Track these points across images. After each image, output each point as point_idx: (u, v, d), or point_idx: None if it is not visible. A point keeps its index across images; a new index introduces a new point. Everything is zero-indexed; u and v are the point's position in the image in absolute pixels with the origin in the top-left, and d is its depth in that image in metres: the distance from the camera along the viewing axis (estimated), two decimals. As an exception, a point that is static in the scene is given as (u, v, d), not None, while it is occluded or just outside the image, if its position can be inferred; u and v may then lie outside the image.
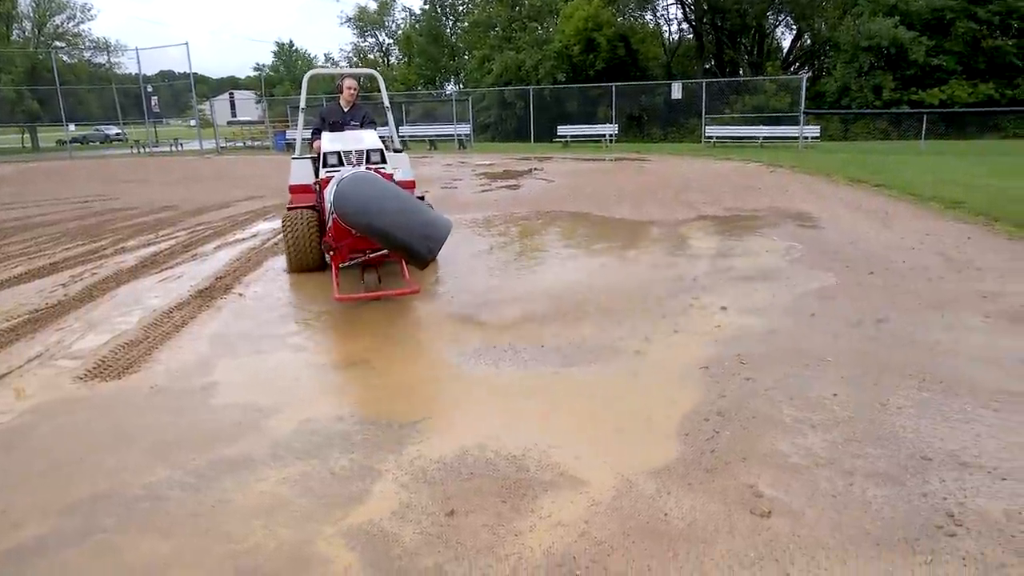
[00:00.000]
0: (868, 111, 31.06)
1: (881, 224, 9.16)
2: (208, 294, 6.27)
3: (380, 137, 6.65)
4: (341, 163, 6.10)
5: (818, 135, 26.61)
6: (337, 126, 6.86)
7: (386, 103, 7.84)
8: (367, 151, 6.20)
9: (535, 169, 18.65)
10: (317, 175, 6.82)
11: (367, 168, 5.85)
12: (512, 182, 15.59)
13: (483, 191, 14.00)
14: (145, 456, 3.32)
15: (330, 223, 5.69)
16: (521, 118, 34.40)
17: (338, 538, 2.64)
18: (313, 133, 7.19)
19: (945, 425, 3.43)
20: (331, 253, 5.74)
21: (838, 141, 29.74)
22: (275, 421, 3.69)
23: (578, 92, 33.71)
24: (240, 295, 6.28)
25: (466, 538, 2.62)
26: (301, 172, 7.27)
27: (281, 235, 6.97)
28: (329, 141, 6.38)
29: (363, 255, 6.11)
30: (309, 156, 7.30)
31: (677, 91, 29.51)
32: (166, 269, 7.44)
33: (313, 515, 2.80)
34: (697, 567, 2.43)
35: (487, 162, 21.23)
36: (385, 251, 5.79)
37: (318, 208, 6.77)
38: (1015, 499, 2.78)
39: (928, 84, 30.69)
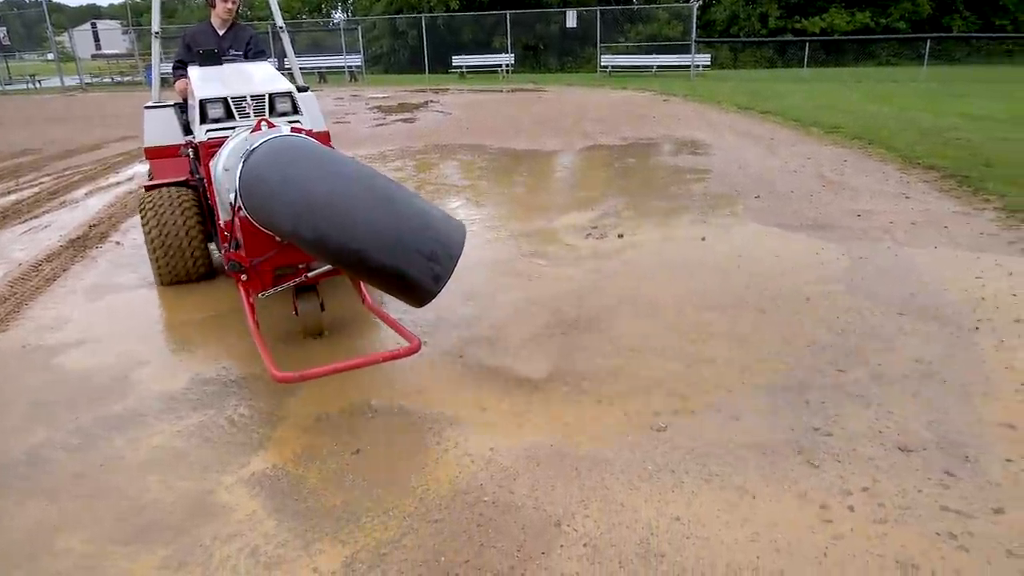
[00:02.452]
0: (755, 39, 31.93)
1: (767, 150, 9.53)
2: (81, 244, 5.83)
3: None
4: (231, 115, 3.85)
5: (709, 64, 27.24)
6: (211, 57, 4.42)
7: (280, 23, 5.48)
8: (270, 96, 3.92)
9: (431, 101, 18.20)
10: (188, 131, 4.74)
11: (276, 122, 3.50)
12: (407, 115, 15.16)
13: (377, 125, 13.56)
14: (22, 418, 3.10)
15: (222, 221, 3.50)
16: (414, 48, 33.23)
17: (240, 486, 2.58)
18: (175, 68, 5.07)
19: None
20: (242, 278, 3.35)
21: (728, 69, 30.54)
22: (166, 374, 3.51)
23: (472, 20, 32.81)
24: (118, 243, 5.87)
25: (372, 474, 2.62)
26: (161, 127, 4.97)
27: (142, 225, 4.55)
28: (204, 80, 4.08)
29: (294, 272, 3.48)
30: (171, 103, 5.06)
31: (572, 19, 29.25)
32: (31, 219, 6.84)
33: (212, 465, 2.71)
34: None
35: (381, 95, 20.52)
36: (326, 268, 3.43)
37: (194, 185, 4.68)
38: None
39: (810, 12, 31.82)
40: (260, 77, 4.18)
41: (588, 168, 8.82)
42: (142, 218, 4.52)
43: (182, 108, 4.99)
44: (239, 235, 3.27)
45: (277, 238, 3.12)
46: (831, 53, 31.41)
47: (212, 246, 4.78)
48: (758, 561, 2.14)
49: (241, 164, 2.94)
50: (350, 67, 29.26)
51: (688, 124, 12.49)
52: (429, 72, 29.71)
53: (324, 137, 4.48)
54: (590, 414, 3.01)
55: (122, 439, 2.91)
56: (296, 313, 3.75)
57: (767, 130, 11.48)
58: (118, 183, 8.62)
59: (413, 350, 3.01)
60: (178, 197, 4.52)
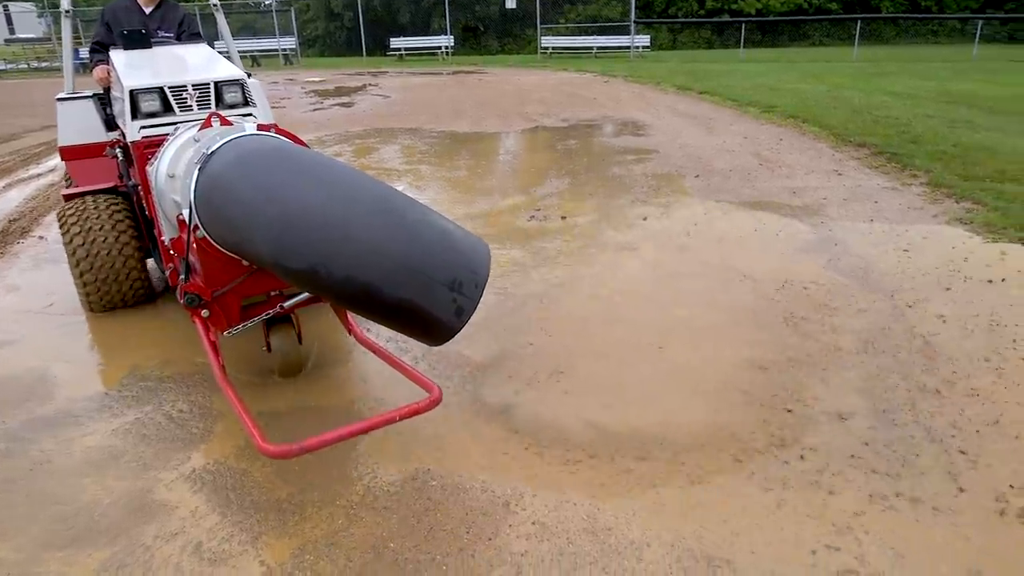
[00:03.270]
0: (693, 20, 32.32)
1: (706, 129, 9.69)
2: (1, 239, 5.55)
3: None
4: (168, 108, 3.29)
5: (648, 45, 27.46)
6: (139, 39, 3.76)
7: (215, 0, 4.79)
8: (216, 84, 3.35)
9: (369, 85, 17.88)
10: (111, 127, 4.16)
11: (228, 116, 2.80)
12: (345, 99, 14.86)
13: (314, 110, 13.26)
14: (-58, 424, 2.95)
15: (166, 238, 2.94)
16: (351, 30, 32.53)
17: (181, 483, 2.51)
18: (93, 51, 4.31)
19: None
20: (202, 313, 2.67)
21: (667, 50, 30.84)
22: (99, 371, 3.39)
23: (410, 1, 32.30)
24: (41, 238, 5.61)
25: (318, 466, 2.58)
26: (79, 123, 4.22)
27: (64, 242, 3.80)
28: (132, 67, 3.50)
29: (266, 301, 2.90)
30: (89, 94, 4.29)
31: (512, 0, 29.06)
32: (-54, 212, 6.48)
33: (151, 463, 2.63)
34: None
35: (317, 78, 20.05)
36: (305, 295, 2.80)
37: (126, 193, 3.98)
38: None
39: (746, -7, 32.36)
40: (201, 62, 3.57)
41: (530, 150, 8.82)
42: (63, 233, 3.76)
43: (103, 99, 4.29)
44: (195, 260, 2.55)
45: (243, 263, 2.55)
46: (767, 34, 32.07)
47: (152, 262, 4.13)
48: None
49: (196, 172, 2.27)
50: (284, 50, 28.50)
51: (628, 105, 12.59)
52: (366, 55, 29.19)
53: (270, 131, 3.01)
54: (530, 396, 3.03)
55: (53, 441, 2.80)
56: (268, 349, 3.11)
57: (705, 110, 11.67)
58: (39, 175, 8.22)
59: (435, 402, 2.35)
60: (107, 208, 3.80)
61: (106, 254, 3.74)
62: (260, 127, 2.63)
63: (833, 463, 2.52)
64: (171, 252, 2.86)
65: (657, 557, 2.10)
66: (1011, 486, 2.37)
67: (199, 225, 2.35)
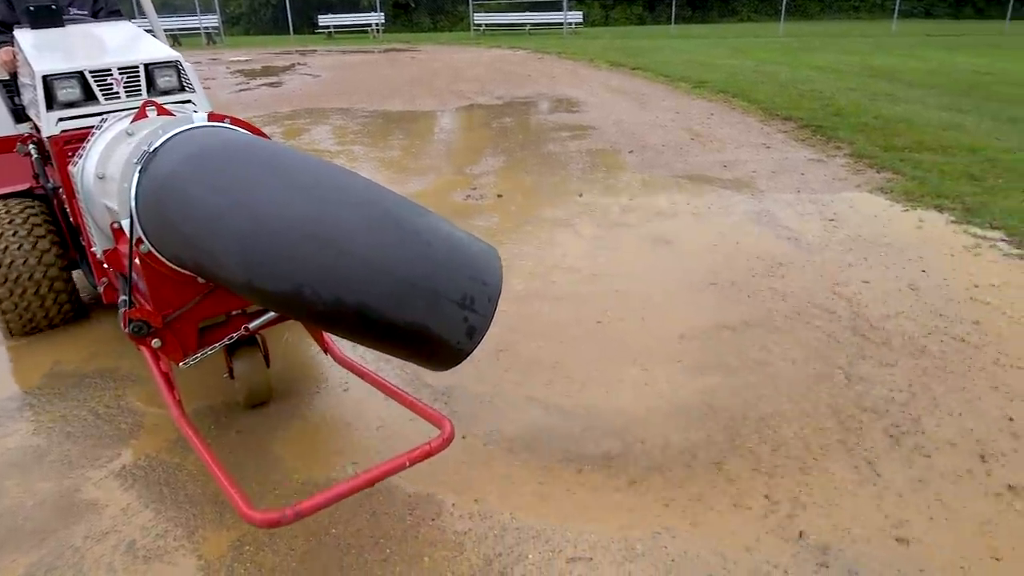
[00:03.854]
0: (624, -4, 32.53)
1: (639, 105, 9.79)
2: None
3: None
4: (91, 96, 2.90)
5: (581, 21, 27.47)
6: (49, 16, 3.28)
7: None
8: (147, 67, 2.97)
9: (298, 64, 17.38)
10: (20, 118, 3.65)
11: (163, 104, 2.46)
12: (273, 79, 14.42)
13: (240, 90, 12.82)
14: None
15: (98, 250, 2.60)
16: (277, 7, 31.49)
17: (110, 480, 2.42)
18: None
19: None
20: (152, 343, 2.24)
21: (600, 27, 30.97)
22: (20, 368, 3.22)
23: (338, -23, 31.46)
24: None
25: (255, 456, 2.52)
26: None
27: None
28: (42, 48, 3.06)
29: (227, 321, 2.48)
30: None
31: (442, -24, 28.61)
32: None
33: (78, 461, 2.53)
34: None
35: (242, 58, 19.37)
36: (273, 314, 2.44)
37: (42, 195, 3.50)
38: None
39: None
40: (126, 42, 3.11)
41: (465, 128, 8.75)
42: None
43: (8, 87, 3.73)
44: (139, 279, 2.15)
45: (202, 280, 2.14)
46: (697, 9, 32.54)
47: (78, 273, 3.63)
48: (643, 500, 2.24)
49: (137, 173, 1.87)
50: (206, 29, 27.39)
51: (562, 82, 12.60)
52: (294, 33, 28.38)
53: (216, 120, 2.37)
54: (471, 376, 3.03)
55: (-32, 443, 2.65)
56: (231, 376, 2.70)
57: (638, 86, 11.78)
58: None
59: (447, 440, 2.04)
60: (22, 213, 3.30)
61: (23, 266, 3.21)
62: (212, 117, 2.15)
63: (749, 427, 2.61)
64: (104, 266, 2.47)
65: (595, 529, 2.14)
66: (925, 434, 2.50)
67: (143, 238, 1.94)
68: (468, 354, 1.77)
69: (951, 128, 7.38)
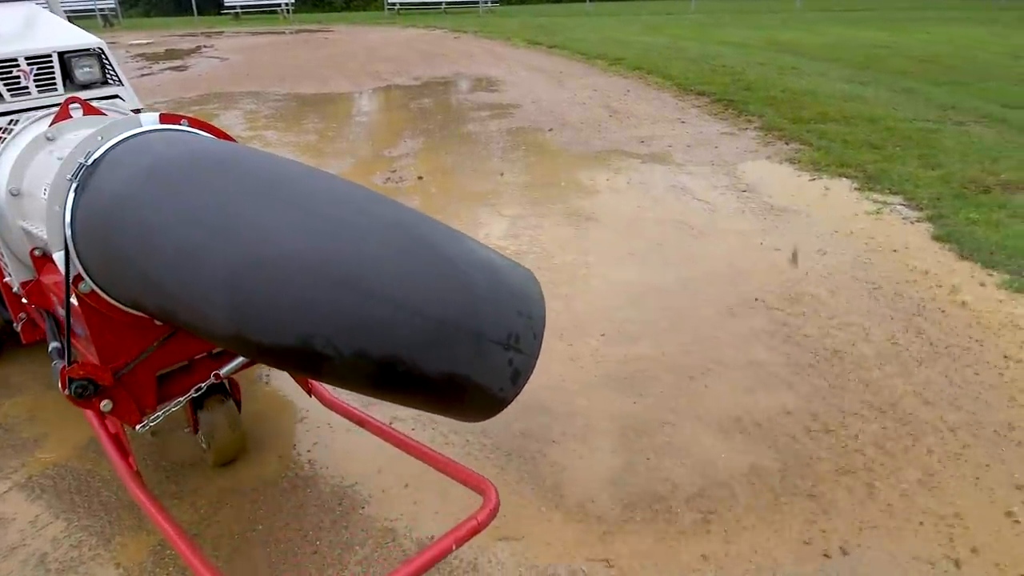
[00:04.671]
0: (538, -26, 32.43)
1: (557, 83, 9.82)
2: None
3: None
4: None
5: (497, 0, 27.29)
6: None
7: None
8: (61, 56, 2.56)
9: (204, 47, 16.62)
10: None
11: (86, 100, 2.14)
12: (178, 63, 13.75)
13: (142, 75, 12.17)
14: None
15: (12, 281, 2.21)
16: (179, -13, 30.05)
17: (16, 492, 2.28)
18: None
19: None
20: (101, 406, 1.80)
21: (515, 5, 30.81)
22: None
23: (243, -45, 30.17)
24: None
25: (175, 457, 2.42)
26: None
27: None
28: None
29: (191, 368, 2.03)
30: None
31: (352, -46, 27.85)
32: None
33: (-23, 475, 2.37)
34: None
35: (143, 41, 18.39)
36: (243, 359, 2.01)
37: None
38: (672, 309, 3.31)
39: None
40: (33, 26, 2.70)
41: (382, 110, 8.58)
42: None
43: None
44: (79, 324, 1.73)
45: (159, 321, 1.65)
46: (610, -13, 32.77)
47: None
48: (573, 473, 2.26)
49: (72, 192, 1.48)
50: (102, 10, 25.83)
51: (480, 61, 12.51)
52: (198, 14, 27.09)
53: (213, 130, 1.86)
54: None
55: None
56: (194, 431, 2.28)
57: (556, 64, 11.81)
58: None
59: (494, 511, 1.70)
60: None
61: None
62: (166, 118, 1.69)
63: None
64: (23, 300, 2.09)
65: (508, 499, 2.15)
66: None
67: (83, 275, 1.54)
68: (510, 402, 1.43)
69: (852, 99, 7.72)
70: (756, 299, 3.40)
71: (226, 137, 1.74)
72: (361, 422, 2.12)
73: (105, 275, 1.51)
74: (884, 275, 3.62)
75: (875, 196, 4.76)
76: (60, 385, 1.72)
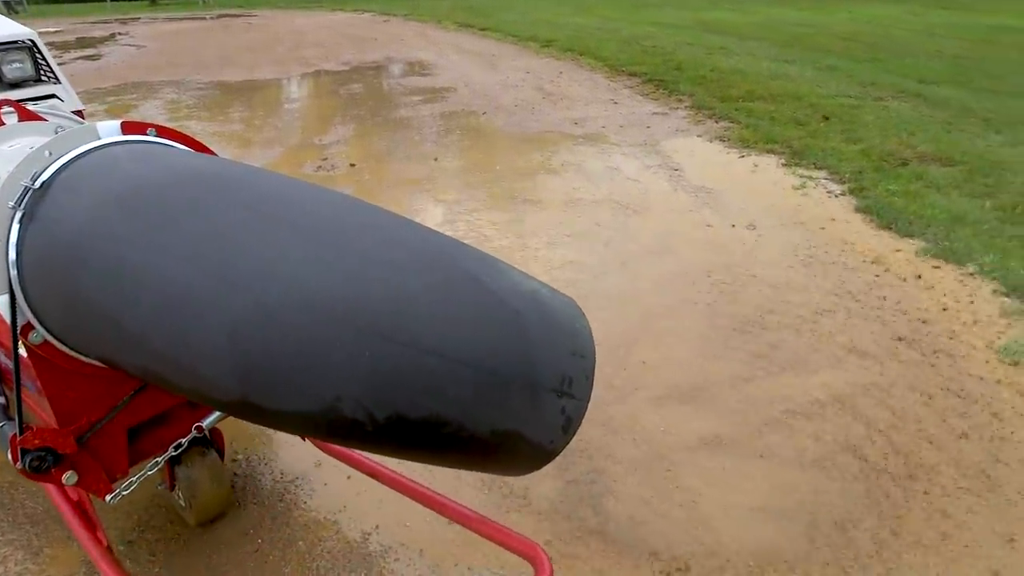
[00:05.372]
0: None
1: (489, 66, 9.76)
2: None
3: None
4: None
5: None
6: None
7: None
8: None
9: (119, 34, 15.89)
10: None
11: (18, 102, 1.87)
12: (91, 51, 13.11)
13: (56, 64, 11.55)
14: None
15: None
16: (90, -29, 28.55)
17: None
18: None
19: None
20: (64, 479, 1.50)
21: (444, -13, 30.43)
22: None
23: (157, -63, 28.85)
24: None
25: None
26: None
27: None
28: None
29: (167, 421, 1.74)
30: None
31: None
32: None
33: None
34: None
35: (52, 29, 17.43)
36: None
37: None
38: (610, 289, 3.34)
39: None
40: None
41: (311, 97, 8.37)
42: None
43: None
44: (31, 382, 1.47)
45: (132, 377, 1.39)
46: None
47: None
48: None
49: (17, 223, 1.22)
50: (6, -4, 24.38)
51: (411, 44, 12.33)
52: (111, 0, 25.87)
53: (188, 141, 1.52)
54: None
55: None
56: (170, 487, 1.97)
57: (488, 47, 11.74)
58: None
59: None
60: None
61: None
62: (128, 126, 1.41)
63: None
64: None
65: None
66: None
67: (33, 324, 1.29)
68: (559, 453, 1.20)
69: (778, 78, 7.92)
70: (691, 273, 3.46)
71: (204, 149, 1.48)
72: (374, 473, 1.81)
73: (64, 324, 1.24)
74: (811, 246, 3.74)
75: (801, 171, 4.90)
76: (11, 458, 1.44)
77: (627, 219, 4.16)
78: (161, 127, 1.44)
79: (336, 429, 0.99)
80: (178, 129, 1.41)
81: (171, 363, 1.03)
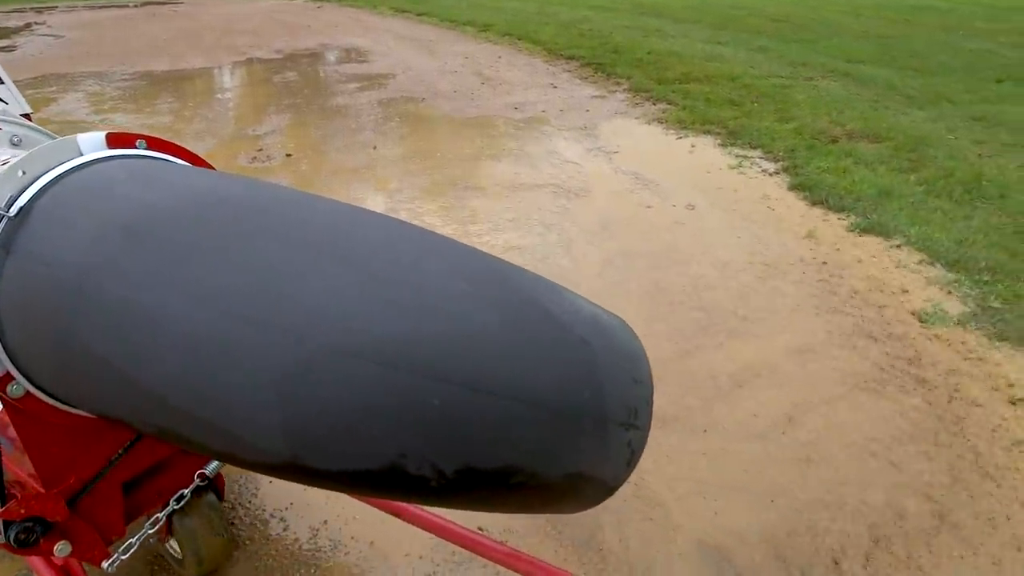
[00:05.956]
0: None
1: (427, 52, 9.64)
2: None
3: None
4: None
5: (358, -33, 26.38)
6: None
7: None
8: None
9: (35, 24, 15.10)
10: None
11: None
12: (4, 43, 12.43)
13: (-33, 57, 10.93)
14: None
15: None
16: (1, -42, 27.01)
17: None
18: None
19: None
20: (56, 550, 1.30)
21: (379, -28, 29.90)
22: None
23: (73, -78, 27.49)
24: None
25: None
26: None
27: None
28: None
29: (165, 470, 1.55)
30: None
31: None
32: None
33: None
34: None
35: (-36, 19, 16.48)
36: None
37: None
38: (553, 273, 3.35)
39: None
40: None
41: (244, 86, 8.13)
42: None
43: None
44: (11, 440, 1.32)
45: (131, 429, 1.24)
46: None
47: None
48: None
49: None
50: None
51: (346, 31, 12.08)
52: (28, -13, 24.57)
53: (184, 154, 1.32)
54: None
55: None
56: (161, 539, 1.79)
57: (425, 32, 11.59)
58: None
59: None
60: None
61: None
62: (114, 138, 1.19)
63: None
64: None
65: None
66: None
67: (13, 373, 1.10)
68: (620, 487, 1.09)
69: (713, 59, 8.04)
70: (633, 253, 3.50)
71: (203, 163, 1.29)
72: (397, 511, 1.63)
73: (53, 375, 1.06)
74: (748, 223, 3.82)
75: (737, 151, 4.99)
76: None
77: (569, 202, 4.17)
78: (151, 138, 1.24)
79: (396, 487, 0.86)
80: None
81: (199, 423, 0.87)
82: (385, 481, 0.84)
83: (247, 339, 0.82)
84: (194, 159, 1.28)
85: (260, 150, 5.41)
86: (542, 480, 0.90)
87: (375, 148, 5.36)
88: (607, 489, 1.04)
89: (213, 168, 1.27)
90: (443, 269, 0.89)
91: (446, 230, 3.85)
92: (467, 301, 0.85)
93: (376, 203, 4.27)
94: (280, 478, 0.90)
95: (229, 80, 8.50)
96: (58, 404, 1.15)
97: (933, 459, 2.18)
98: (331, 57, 9.69)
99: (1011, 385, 2.50)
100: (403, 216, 4.05)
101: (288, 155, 5.23)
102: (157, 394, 0.88)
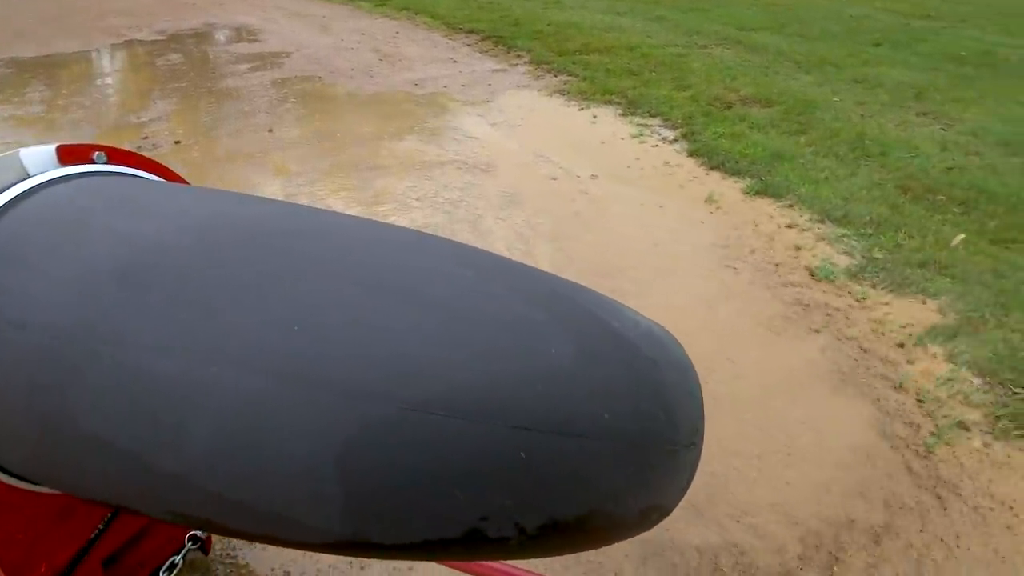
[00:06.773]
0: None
1: (321, 29, 9.31)
2: None
3: None
4: None
5: (244, -59, 25.17)
6: None
7: None
8: None
9: None
10: None
11: None
12: None
13: None
14: None
15: None
16: None
17: None
18: None
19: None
20: None
21: (266, -53, 28.65)
22: None
23: None
24: None
25: None
26: None
27: None
28: None
29: (148, 533, 1.36)
30: None
31: None
32: None
33: None
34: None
35: None
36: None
37: None
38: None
39: None
40: None
41: (124, 71, 7.63)
42: None
43: None
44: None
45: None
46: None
47: None
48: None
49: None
50: None
51: (233, 9, 11.51)
52: None
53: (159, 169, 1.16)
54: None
55: None
56: None
57: (318, 8, 11.18)
58: None
59: None
60: None
61: None
62: (65, 152, 1.00)
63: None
64: None
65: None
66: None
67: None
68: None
69: (612, 30, 8.11)
70: (540, 225, 3.51)
71: (173, 176, 1.10)
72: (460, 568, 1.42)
73: (25, 456, 0.87)
74: (650, 190, 3.89)
75: (637, 120, 5.07)
76: None
77: (474, 178, 4.13)
78: (110, 148, 1.01)
79: (472, 552, 0.72)
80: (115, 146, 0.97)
81: (232, 506, 0.69)
82: (460, 547, 0.71)
83: (296, 403, 0.67)
84: (167, 173, 1.09)
85: (145, 138, 5.10)
86: (617, 520, 0.79)
87: (271, 131, 5.14)
88: (663, 514, 0.90)
89: (183, 180, 1.08)
90: (509, 294, 0.76)
91: (351, 212, 3.74)
92: (546, 334, 0.72)
93: (275, 189, 4.11)
94: (332, 553, 0.76)
95: (108, 65, 7.96)
96: (30, 487, 0.97)
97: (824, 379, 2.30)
98: (219, 37, 9.23)
99: (888, 323, 2.67)
100: (304, 200, 3.91)
101: (177, 142, 4.96)
102: (177, 477, 0.70)
